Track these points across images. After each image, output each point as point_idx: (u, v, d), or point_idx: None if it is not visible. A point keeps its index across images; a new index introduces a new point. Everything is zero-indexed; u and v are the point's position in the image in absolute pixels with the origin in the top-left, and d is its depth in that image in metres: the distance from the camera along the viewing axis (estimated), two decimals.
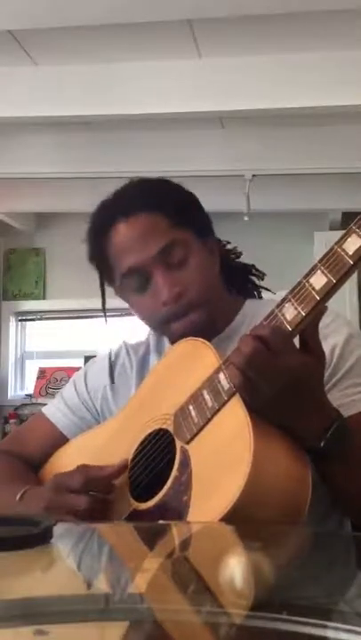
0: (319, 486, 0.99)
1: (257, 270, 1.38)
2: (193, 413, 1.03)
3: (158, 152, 3.79)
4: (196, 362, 1.10)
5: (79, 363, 5.18)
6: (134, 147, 3.80)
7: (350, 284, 4.35)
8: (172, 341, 1.23)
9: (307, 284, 0.92)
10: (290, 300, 0.95)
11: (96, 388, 1.37)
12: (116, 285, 1.27)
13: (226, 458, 0.97)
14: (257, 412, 0.96)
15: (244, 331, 1.10)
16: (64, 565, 0.82)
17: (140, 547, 0.95)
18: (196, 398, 1.04)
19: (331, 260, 0.90)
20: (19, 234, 5.32)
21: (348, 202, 4.40)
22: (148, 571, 0.79)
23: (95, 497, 1.07)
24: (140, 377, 1.32)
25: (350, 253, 0.88)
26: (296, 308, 0.94)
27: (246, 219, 4.07)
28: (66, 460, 1.29)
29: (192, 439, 1.02)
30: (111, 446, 1.21)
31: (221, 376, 1.01)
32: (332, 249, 0.90)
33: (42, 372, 5.42)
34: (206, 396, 1.02)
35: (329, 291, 0.91)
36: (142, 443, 1.14)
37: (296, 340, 0.98)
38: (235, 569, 0.77)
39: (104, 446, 1.24)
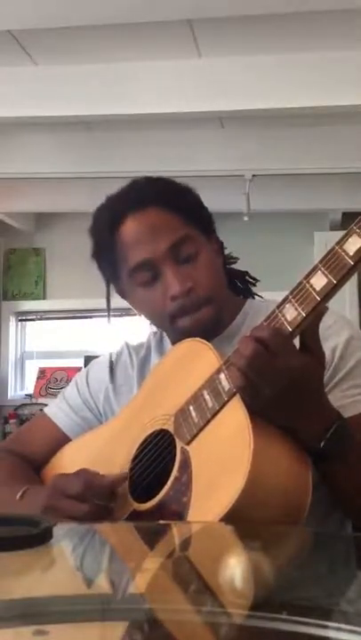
0: (320, 487, 0.99)
1: (250, 277, 1.38)
2: (193, 414, 1.03)
3: (158, 152, 3.78)
4: (197, 362, 1.10)
5: (79, 363, 5.18)
6: (134, 147, 3.80)
7: (350, 284, 4.34)
8: (176, 338, 1.23)
9: (307, 285, 0.92)
10: (290, 301, 0.95)
11: (98, 388, 1.37)
12: (120, 281, 1.26)
13: (226, 458, 0.97)
14: (257, 412, 0.96)
15: (244, 331, 1.11)
16: (64, 565, 0.82)
17: (141, 547, 0.95)
18: (196, 399, 1.04)
19: (331, 261, 0.90)
20: (19, 234, 5.32)
21: (348, 202, 4.40)
22: (149, 571, 0.79)
23: (94, 505, 1.07)
24: (141, 377, 1.32)
25: (351, 254, 0.88)
26: (296, 309, 0.94)
27: (246, 219, 4.07)
28: (67, 460, 1.29)
29: (192, 440, 1.02)
30: (112, 446, 1.21)
31: (222, 377, 1.01)
32: (332, 249, 0.90)
33: (42, 372, 5.42)
34: (207, 397, 1.02)
35: (329, 291, 0.91)
36: (143, 443, 1.14)
37: (296, 341, 0.98)
38: (235, 569, 0.77)
39: (105, 446, 1.24)
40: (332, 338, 1.13)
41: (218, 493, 0.93)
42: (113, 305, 1.33)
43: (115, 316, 1.36)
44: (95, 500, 1.07)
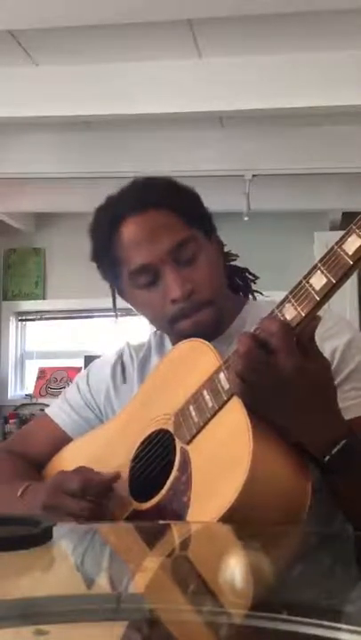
0: (322, 487, 0.99)
1: (250, 274, 1.38)
2: (193, 414, 1.03)
3: (158, 152, 3.79)
4: (197, 362, 1.10)
5: (79, 363, 5.18)
6: (134, 147, 3.80)
7: (350, 285, 4.35)
8: (177, 340, 1.22)
9: (307, 285, 0.92)
10: (290, 301, 0.94)
11: (99, 389, 1.37)
12: (120, 282, 1.26)
13: (225, 458, 0.97)
14: (259, 413, 0.96)
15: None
16: (64, 565, 0.82)
17: (141, 547, 0.95)
18: (196, 398, 1.04)
19: (331, 261, 0.90)
20: (19, 234, 5.32)
21: (348, 202, 4.40)
22: (148, 570, 0.79)
23: (92, 502, 1.07)
24: (141, 377, 1.32)
25: (350, 254, 0.88)
26: (296, 309, 0.93)
27: (246, 219, 4.07)
28: (68, 460, 1.30)
29: (192, 439, 1.02)
30: (112, 446, 1.21)
31: (221, 376, 1.00)
32: (332, 249, 0.90)
33: (42, 372, 5.42)
34: (206, 397, 1.02)
35: (329, 291, 0.90)
36: (143, 443, 1.14)
37: None
38: (235, 569, 0.77)
39: (105, 446, 1.24)
40: (332, 340, 1.12)
41: (217, 493, 0.93)
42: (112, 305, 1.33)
43: (115, 315, 1.36)
44: (92, 497, 1.07)
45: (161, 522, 1.01)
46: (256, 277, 1.38)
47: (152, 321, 1.28)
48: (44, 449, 1.37)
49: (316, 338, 0.96)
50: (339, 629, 0.57)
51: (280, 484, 0.95)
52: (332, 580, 0.73)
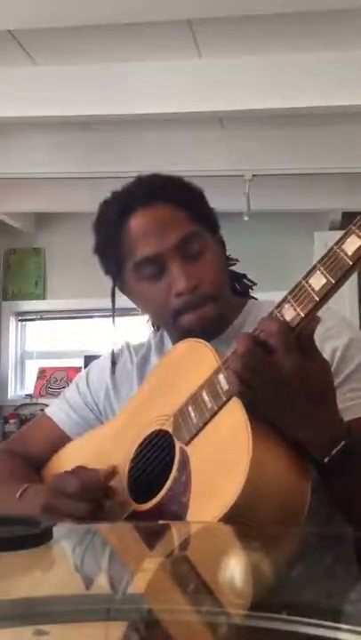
0: (322, 487, 0.99)
1: (248, 280, 1.38)
2: (192, 414, 1.03)
3: (158, 152, 3.79)
4: (196, 363, 1.10)
5: (79, 363, 5.18)
6: (134, 147, 3.80)
7: (350, 285, 4.35)
8: (177, 338, 1.22)
9: (306, 285, 0.92)
10: (289, 301, 0.94)
11: (98, 388, 1.37)
12: (124, 275, 1.26)
13: (224, 459, 0.97)
14: (258, 414, 0.96)
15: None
16: (64, 565, 0.82)
17: (140, 547, 0.95)
18: (195, 399, 1.04)
19: (330, 261, 0.90)
20: (19, 234, 5.32)
21: (348, 202, 4.40)
22: (148, 571, 0.79)
23: (89, 502, 1.07)
24: (140, 377, 1.32)
25: (350, 254, 0.88)
26: (295, 309, 0.93)
27: (246, 219, 4.07)
28: (67, 460, 1.30)
29: (191, 440, 1.02)
30: (112, 447, 1.21)
31: (221, 377, 1.00)
32: (331, 249, 0.90)
33: (42, 372, 5.42)
34: (205, 397, 1.02)
35: (328, 291, 0.90)
36: (142, 443, 1.14)
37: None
38: (234, 569, 0.77)
39: (105, 447, 1.24)
40: (332, 340, 1.12)
41: (217, 494, 0.93)
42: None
43: (115, 315, 1.36)
44: (90, 498, 1.07)
45: (161, 522, 1.01)
46: (254, 283, 1.38)
47: (154, 315, 1.28)
48: (44, 449, 1.37)
49: (316, 338, 0.96)
50: (339, 629, 0.57)
51: (279, 484, 0.95)
52: (332, 580, 0.73)
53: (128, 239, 1.21)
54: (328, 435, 0.96)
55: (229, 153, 3.86)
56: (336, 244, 0.89)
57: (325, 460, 0.95)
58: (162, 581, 0.75)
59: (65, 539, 0.88)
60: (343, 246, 0.88)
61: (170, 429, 1.08)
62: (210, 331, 1.18)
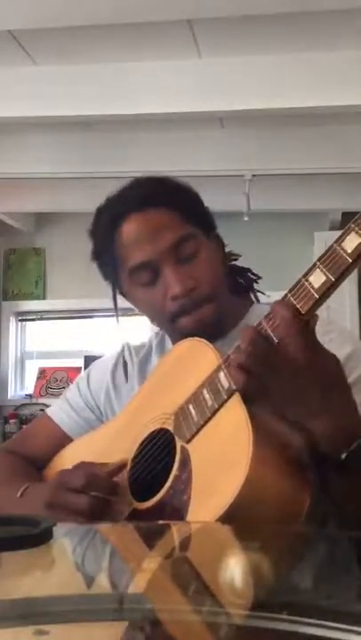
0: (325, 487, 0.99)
1: (253, 273, 1.38)
2: (193, 412, 1.03)
3: (158, 152, 3.79)
4: (197, 361, 1.10)
5: (79, 363, 5.18)
6: (134, 147, 3.80)
7: (350, 285, 4.35)
8: (178, 339, 1.22)
9: (306, 283, 0.92)
10: (289, 299, 0.94)
11: (99, 389, 1.37)
12: (121, 281, 1.26)
13: (225, 457, 0.97)
14: (267, 407, 0.95)
15: None
16: (64, 565, 0.82)
17: (141, 547, 0.95)
18: (196, 397, 1.04)
19: (330, 259, 0.90)
20: (19, 234, 5.32)
21: (348, 202, 4.40)
22: (148, 571, 0.79)
23: (96, 498, 1.07)
24: (141, 377, 1.32)
25: (349, 252, 0.88)
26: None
27: (246, 219, 4.07)
28: (68, 460, 1.29)
29: (192, 438, 1.02)
30: (113, 446, 1.21)
31: (221, 375, 1.00)
32: (331, 247, 0.90)
33: (42, 372, 5.42)
34: (206, 395, 1.02)
35: (328, 289, 0.90)
36: (143, 442, 1.14)
37: None
38: (234, 569, 0.77)
39: (106, 446, 1.24)
40: (332, 351, 1.12)
41: (217, 492, 0.93)
42: (113, 305, 1.33)
43: (114, 315, 1.36)
44: (97, 493, 1.07)
45: (161, 522, 1.01)
46: (259, 277, 1.38)
47: (153, 319, 1.29)
48: (45, 449, 1.37)
49: None
50: (339, 629, 0.57)
51: (279, 482, 0.95)
52: (332, 580, 0.73)
53: (122, 246, 1.21)
54: (346, 427, 0.94)
55: (229, 153, 3.86)
56: (336, 241, 0.90)
57: (343, 454, 0.93)
58: (162, 581, 0.75)
59: (65, 539, 0.88)
60: (343, 244, 0.89)
61: (171, 428, 1.08)
62: (209, 332, 1.18)
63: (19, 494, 1.18)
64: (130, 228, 1.21)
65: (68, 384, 5.07)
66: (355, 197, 4.26)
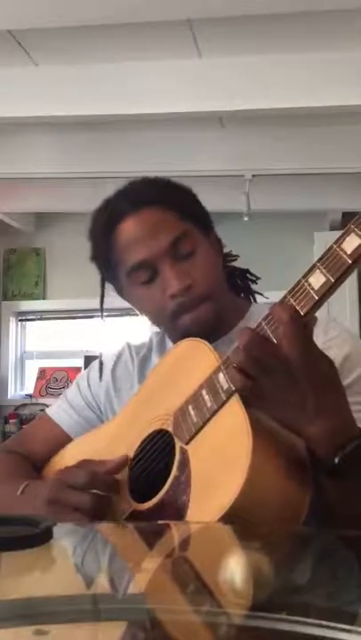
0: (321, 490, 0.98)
1: (251, 274, 1.38)
2: (192, 413, 1.03)
3: (158, 152, 3.78)
4: (196, 362, 1.10)
5: (79, 363, 5.18)
6: (134, 147, 3.80)
7: (351, 285, 4.35)
8: (178, 338, 1.22)
9: (305, 284, 0.92)
10: (289, 300, 0.94)
11: (99, 388, 1.37)
12: (119, 282, 1.26)
13: (224, 458, 0.97)
14: (262, 411, 0.95)
15: None
16: (64, 565, 0.82)
17: (140, 547, 0.95)
18: (195, 398, 1.04)
19: (329, 260, 0.90)
20: (19, 234, 5.32)
21: (348, 202, 4.40)
22: (148, 571, 0.79)
23: (97, 495, 1.07)
24: (141, 377, 1.32)
25: (349, 252, 0.88)
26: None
27: (246, 219, 4.07)
28: (68, 460, 1.30)
29: (191, 439, 1.02)
30: (112, 446, 1.21)
31: (220, 376, 1.00)
32: (330, 248, 0.90)
33: (42, 372, 5.42)
34: (205, 396, 1.02)
35: (328, 290, 0.90)
36: (142, 443, 1.14)
37: None
38: (234, 569, 0.77)
39: (105, 446, 1.24)
40: (332, 350, 1.11)
41: (217, 493, 0.93)
42: (114, 305, 1.33)
43: (115, 315, 1.36)
44: (99, 491, 1.07)
45: (160, 522, 1.01)
46: (257, 278, 1.38)
47: (153, 319, 1.29)
48: (45, 449, 1.37)
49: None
50: (339, 629, 0.57)
51: (279, 483, 0.94)
52: (332, 580, 0.73)
53: (119, 246, 1.22)
54: (340, 430, 0.94)
55: (229, 153, 3.86)
56: (335, 242, 0.90)
57: (337, 458, 0.93)
58: (162, 581, 0.75)
59: (65, 539, 0.88)
60: (342, 245, 0.89)
61: (170, 429, 1.08)
62: (208, 331, 1.18)
63: (19, 492, 1.18)
64: (126, 229, 1.21)
65: (68, 384, 5.07)
66: (355, 197, 4.25)
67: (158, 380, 1.23)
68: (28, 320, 5.59)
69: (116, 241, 1.22)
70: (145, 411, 1.18)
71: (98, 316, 5.24)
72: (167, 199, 1.23)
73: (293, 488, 0.95)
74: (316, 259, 0.92)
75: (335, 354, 1.10)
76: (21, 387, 5.57)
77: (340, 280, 0.89)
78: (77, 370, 5.11)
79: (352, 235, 0.88)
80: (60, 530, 0.80)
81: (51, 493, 1.09)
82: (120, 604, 0.69)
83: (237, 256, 1.37)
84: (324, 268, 0.90)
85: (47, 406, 1.50)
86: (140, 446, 1.14)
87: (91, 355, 4.93)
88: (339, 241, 0.89)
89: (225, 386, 0.99)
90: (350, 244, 0.88)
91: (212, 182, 3.77)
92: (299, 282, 0.93)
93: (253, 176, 3.91)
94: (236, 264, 1.39)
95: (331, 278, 0.89)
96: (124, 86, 3.08)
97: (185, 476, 1.00)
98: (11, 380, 5.47)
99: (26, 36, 2.83)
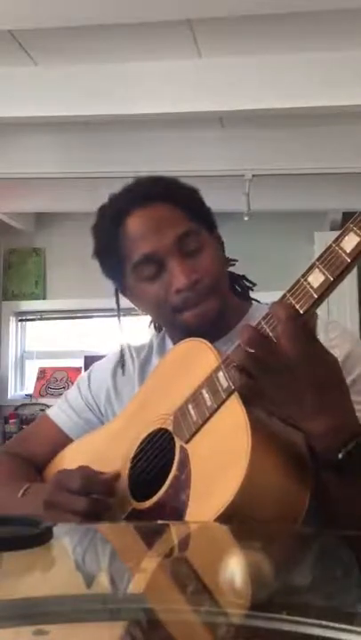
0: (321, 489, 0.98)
1: (248, 280, 1.39)
2: (192, 412, 1.04)
3: (158, 152, 3.78)
4: (197, 361, 1.10)
5: (79, 363, 5.18)
6: (134, 147, 3.80)
7: (350, 285, 4.35)
8: (179, 336, 1.22)
9: (305, 283, 0.92)
10: (288, 299, 0.94)
11: (99, 390, 1.37)
12: (124, 277, 1.26)
13: (224, 457, 0.97)
14: (264, 408, 0.95)
15: None
16: (64, 565, 0.82)
17: (140, 546, 0.95)
18: (195, 397, 1.04)
19: (328, 259, 0.90)
20: (19, 234, 5.32)
21: (348, 202, 4.39)
22: (148, 571, 0.79)
23: (93, 499, 1.07)
24: (141, 378, 1.32)
25: (348, 251, 0.88)
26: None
27: (246, 219, 4.07)
28: (68, 461, 1.30)
29: (191, 438, 1.02)
30: (113, 447, 1.21)
31: (220, 375, 1.00)
32: (329, 247, 0.90)
33: (42, 372, 5.42)
34: (205, 395, 1.02)
35: (327, 289, 0.90)
36: (142, 442, 1.14)
37: None
38: (234, 569, 0.77)
39: (106, 447, 1.24)
40: (332, 350, 1.11)
41: (216, 491, 0.93)
42: (113, 305, 1.33)
43: (114, 315, 1.36)
44: (95, 495, 1.07)
45: (160, 522, 1.01)
46: (254, 284, 1.39)
47: (156, 314, 1.29)
48: (45, 450, 1.37)
49: None
50: (339, 629, 0.57)
51: (278, 482, 0.95)
52: (332, 580, 0.73)
53: (126, 240, 1.22)
54: (343, 427, 0.93)
55: (229, 153, 3.86)
56: (334, 241, 0.90)
57: (340, 454, 0.93)
58: (161, 581, 0.75)
59: (65, 539, 0.88)
60: (341, 244, 0.89)
61: (170, 428, 1.08)
62: (211, 327, 1.18)
63: (20, 494, 1.18)
64: (134, 223, 1.21)
65: (68, 384, 5.08)
66: (355, 197, 4.25)
67: (159, 380, 1.23)
68: (28, 320, 5.59)
69: (123, 234, 1.22)
70: (145, 410, 1.18)
71: (98, 316, 5.26)
72: (175, 197, 1.23)
73: (293, 486, 0.95)
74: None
75: (335, 354, 1.10)
76: (21, 387, 5.56)
77: (339, 279, 0.89)
78: (77, 370, 5.12)
79: (351, 233, 0.88)
80: (60, 530, 0.81)
81: (47, 496, 1.09)
82: (120, 603, 0.69)
83: (236, 260, 1.37)
84: (324, 267, 0.90)
85: (47, 406, 1.50)
86: (140, 445, 1.14)
87: (91, 355, 4.93)
88: (338, 240, 0.89)
89: (225, 385, 0.99)
90: (349, 243, 0.88)
91: (212, 182, 3.76)
92: (298, 281, 0.93)
93: (253, 176, 3.91)
94: (236, 264, 1.39)
95: (330, 277, 0.89)
96: (124, 86, 3.08)
97: (185, 474, 1.01)
98: (11, 380, 5.47)
99: (26, 36, 2.83)
